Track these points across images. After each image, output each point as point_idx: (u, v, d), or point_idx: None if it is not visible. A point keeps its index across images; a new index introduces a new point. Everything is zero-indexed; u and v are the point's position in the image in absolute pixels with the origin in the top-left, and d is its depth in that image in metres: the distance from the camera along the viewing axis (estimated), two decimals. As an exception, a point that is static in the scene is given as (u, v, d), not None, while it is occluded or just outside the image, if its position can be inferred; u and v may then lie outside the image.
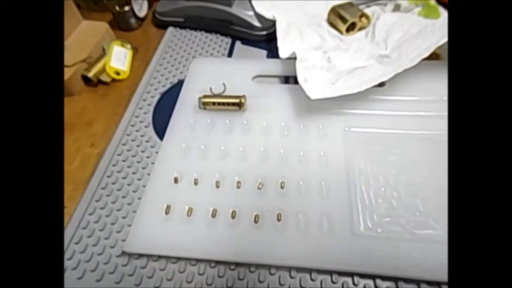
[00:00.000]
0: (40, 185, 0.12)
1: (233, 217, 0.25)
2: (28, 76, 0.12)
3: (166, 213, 0.26)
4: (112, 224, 0.26)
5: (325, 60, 0.32)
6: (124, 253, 0.24)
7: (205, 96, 0.32)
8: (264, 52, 0.38)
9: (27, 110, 0.12)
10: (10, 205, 0.12)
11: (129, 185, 0.29)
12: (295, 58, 0.31)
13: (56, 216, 0.13)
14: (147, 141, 0.32)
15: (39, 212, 0.12)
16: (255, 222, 0.25)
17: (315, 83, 0.29)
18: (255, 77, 0.35)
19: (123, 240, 0.25)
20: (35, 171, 0.12)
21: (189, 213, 0.26)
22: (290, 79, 0.35)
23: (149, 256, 0.24)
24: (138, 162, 0.30)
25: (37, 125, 0.12)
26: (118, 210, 0.27)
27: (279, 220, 0.25)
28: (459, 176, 0.12)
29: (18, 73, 0.12)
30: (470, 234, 0.11)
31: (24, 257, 0.11)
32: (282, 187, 0.27)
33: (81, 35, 0.36)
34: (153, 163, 0.30)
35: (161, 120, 0.33)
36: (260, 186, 0.27)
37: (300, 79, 0.30)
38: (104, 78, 0.36)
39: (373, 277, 0.22)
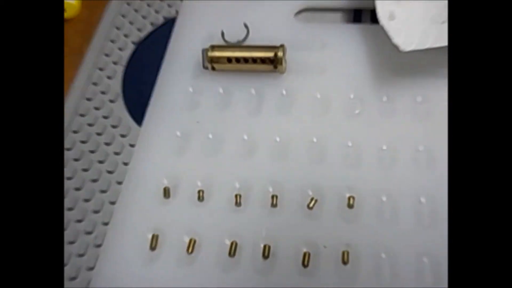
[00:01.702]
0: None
1: (265, 256, 0.26)
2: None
3: (152, 247, 0.27)
4: (65, 265, 0.28)
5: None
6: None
7: (214, 48, 0.33)
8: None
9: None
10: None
11: (87, 201, 0.30)
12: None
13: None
14: (114, 127, 0.33)
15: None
16: (304, 265, 0.26)
17: (409, 22, 0.30)
18: (300, 12, 0.36)
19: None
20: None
21: (190, 249, 0.27)
22: (363, 15, 0.35)
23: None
24: (101, 161, 0.32)
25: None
26: (71, 242, 0.29)
27: (345, 262, 0.26)
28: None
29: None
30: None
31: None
32: (350, 206, 0.27)
33: None
34: (126, 163, 0.31)
35: (137, 90, 0.34)
36: (311, 204, 0.28)
37: (382, 16, 0.30)
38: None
39: None
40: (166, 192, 0.29)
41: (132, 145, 0.32)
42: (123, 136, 0.33)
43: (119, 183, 0.31)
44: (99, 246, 0.29)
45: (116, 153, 0.33)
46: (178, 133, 0.32)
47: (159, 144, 0.31)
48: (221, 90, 0.33)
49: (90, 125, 0.34)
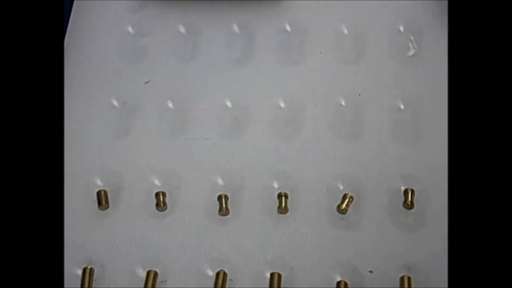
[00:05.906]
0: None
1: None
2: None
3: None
4: None
5: None
6: None
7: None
8: None
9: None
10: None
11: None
12: None
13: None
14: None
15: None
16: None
17: None
18: None
19: None
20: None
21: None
22: None
23: None
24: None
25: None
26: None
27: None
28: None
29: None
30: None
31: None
32: (407, 204, 0.24)
33: None
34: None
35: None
36: (343, 205, 0.24)
37: None
38: None
39: None
40: (102, 199, 0.25)
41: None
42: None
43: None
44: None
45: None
46: (115, 103, 0.28)
47: (87, 121, 0.28)
48: (182, 29, 0.29)
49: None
